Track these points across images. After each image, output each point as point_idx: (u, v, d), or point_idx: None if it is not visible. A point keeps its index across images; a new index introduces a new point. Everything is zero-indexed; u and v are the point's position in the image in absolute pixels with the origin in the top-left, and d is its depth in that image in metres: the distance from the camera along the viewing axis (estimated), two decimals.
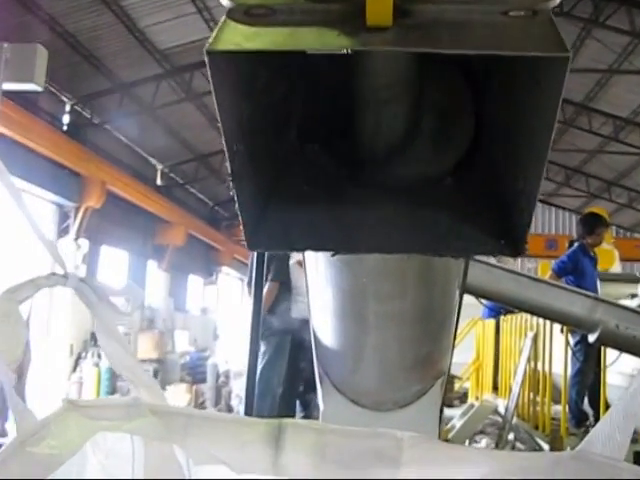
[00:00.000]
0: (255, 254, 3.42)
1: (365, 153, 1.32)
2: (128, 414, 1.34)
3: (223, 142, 1.11)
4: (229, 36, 0.99)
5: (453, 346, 2.15)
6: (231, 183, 1.13)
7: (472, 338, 11.84)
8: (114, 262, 19.25)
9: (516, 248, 1.22)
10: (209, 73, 0.99)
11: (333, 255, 1.32)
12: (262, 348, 6.02)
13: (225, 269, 28.48)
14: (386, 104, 1.21)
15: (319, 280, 1.73)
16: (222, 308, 27.08)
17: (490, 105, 1.27)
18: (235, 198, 1.15)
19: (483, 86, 1.28)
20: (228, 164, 1.11)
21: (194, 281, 26.48)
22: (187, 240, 22.62)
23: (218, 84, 1.01)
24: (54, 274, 1.64)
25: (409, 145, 1.29)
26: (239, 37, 0.99)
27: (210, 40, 0.97)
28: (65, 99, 15.98)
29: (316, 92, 1.33)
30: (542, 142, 1.06)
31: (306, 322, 2.20)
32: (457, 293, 1.85)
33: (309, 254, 1.69)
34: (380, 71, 1.13)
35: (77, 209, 16.45)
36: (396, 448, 1.25)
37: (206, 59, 0.97)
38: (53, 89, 15.22)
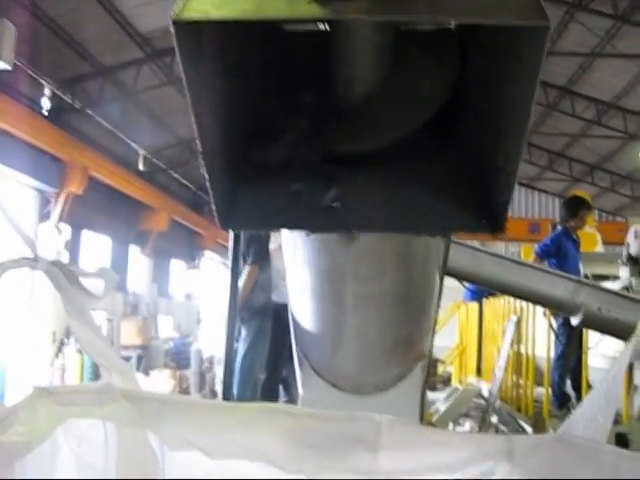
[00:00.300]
0: (232, 235, 3.38)
1: (341, 104, 1.29)
2: (99, 400, 1.30)
3: (192, 118, 1.07)
4: (196, 4, 0.94)
5: (434, 329, 2.12)
6: (202, 160, 1.10)
7: (456, 321, 11.86)
8: (96, 248, 19.14)
9: (496, 225, 1.19)
10: (175, 44, 0.94)
11: (308, 234, 1.29)
12: (243, 332, 5.96)
13: (208, 253, 28.41)
14: (359, 63, 1.18)
15: (296, 261, 1.70)
16: (206, 293, 26.99)
17: (471, 74, 1.24)
18: (206, 176, 1.11)
19: (464, 55, 1.25)
20: (198, 141, 1.08)
21: (177, 266, 26.39)
22: (170, 225, 22.51)
23: (186, 56, 0.97)
24: (23, 257, 1.59)
25: (382, 99, 1.27)
26: (207, 5, 0.94)
27: (176, 9, 0.93)
28: (45, 84, 15.79)
29: (289, 56, 1.30)
30: (522, 115, 1.03)
31: (287, 306, 2.16)
32: (437, 275, 1.82)
33: (286, 234, 1.65)
34: (354, 37, 1.09)
35: (58, 195, 16.29)
36: (374, 432, 1.23)
37: (172, 29, 0.92)
38: (33, 74, 15.03)
